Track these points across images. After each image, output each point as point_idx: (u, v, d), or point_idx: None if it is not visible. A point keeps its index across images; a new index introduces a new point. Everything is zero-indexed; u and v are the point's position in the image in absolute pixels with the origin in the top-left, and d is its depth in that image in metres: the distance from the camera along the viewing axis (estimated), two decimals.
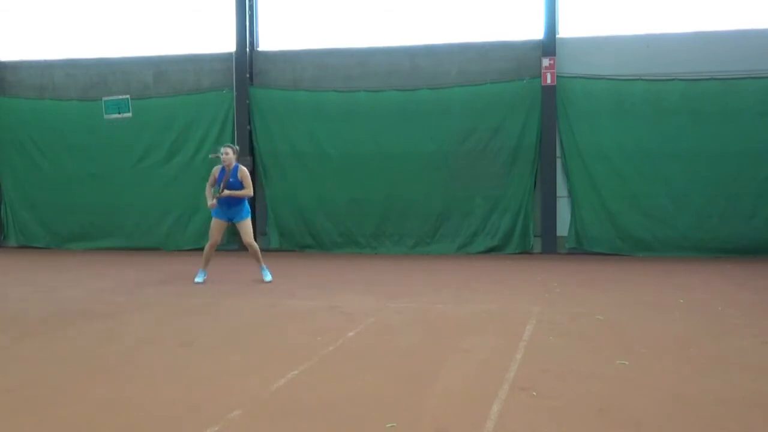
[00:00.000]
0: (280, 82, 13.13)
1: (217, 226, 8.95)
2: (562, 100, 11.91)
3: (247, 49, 13.02)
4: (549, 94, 11.90)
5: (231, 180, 8.78)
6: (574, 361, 5.00)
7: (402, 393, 4.31)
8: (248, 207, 9.12)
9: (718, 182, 11.46)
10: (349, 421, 3.85)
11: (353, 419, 3.87)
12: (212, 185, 8.87)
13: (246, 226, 8.93)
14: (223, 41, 13.30)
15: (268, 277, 8.99)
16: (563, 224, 12.09)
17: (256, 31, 13.24)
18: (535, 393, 4.26)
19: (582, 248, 11.96)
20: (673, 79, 11.53)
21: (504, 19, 12.47)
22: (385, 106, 12.42)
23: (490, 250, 12.15)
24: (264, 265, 9.07)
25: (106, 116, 13.37)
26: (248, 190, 8.87)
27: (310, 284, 8.89)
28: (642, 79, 11.62)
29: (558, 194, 12.12)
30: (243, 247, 13.07)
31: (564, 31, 12.15)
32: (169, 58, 13.47)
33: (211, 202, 8.80)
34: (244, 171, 8.88)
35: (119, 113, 13.30)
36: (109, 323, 6.52)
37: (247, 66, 13.00)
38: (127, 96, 13.34)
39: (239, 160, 12.92)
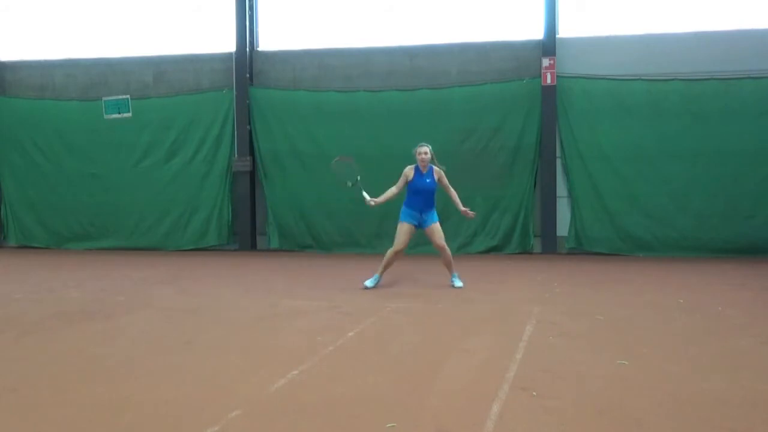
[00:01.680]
0: (280, 82, 13.13)
1: (406, 231, 8.18)
2: (562, 100, 11.92)
3: (247, 49, 13.03)
4: (549, 94, 11.91)
5: (428, 181, 8.09)
6: (574, 361, 4.99)
7: (402, 393, 4.31)
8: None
9: (718, 182, 11.46)
10: (349, 421, 3.85)
11: (353, 419, 3.87)
12: (400, 188, 8.10)
13: (439, 230, 8.23)
14: (223, 41, 13.31)
15: (459, 284, 8.33)
16: (563, 224, 12.10)
17: (256, 31, 13.25)
18: (535, 393, 4.26)
19: (582, 248, 11.96)
20: (673, 79, 11.53)
21: (504, 19, 12.47)
22: (385, 106, 12.43)
23: (490, 250, 12.15)
24: (456, 273, 8.44)
25: (106, 116, 13.41)
26: (454, 193, 8.24)
27: (310, 284, 8.89)
28: (642, 79, 11.63)
29: (558, 194, 12.12)
30: (242, 247, 13.21)
31: (564, 31, 12.16)
32: (168, 58, 13.48)
33: (375, 201, 8.04)
34: (440, 172, 8.17)
35: (119, 113, 13.34)
36: (109, 323, 6.52)
37: (246, 66, 13.01)
38: (127, 96, 13.38)
39: (244, 160, 13.02)
